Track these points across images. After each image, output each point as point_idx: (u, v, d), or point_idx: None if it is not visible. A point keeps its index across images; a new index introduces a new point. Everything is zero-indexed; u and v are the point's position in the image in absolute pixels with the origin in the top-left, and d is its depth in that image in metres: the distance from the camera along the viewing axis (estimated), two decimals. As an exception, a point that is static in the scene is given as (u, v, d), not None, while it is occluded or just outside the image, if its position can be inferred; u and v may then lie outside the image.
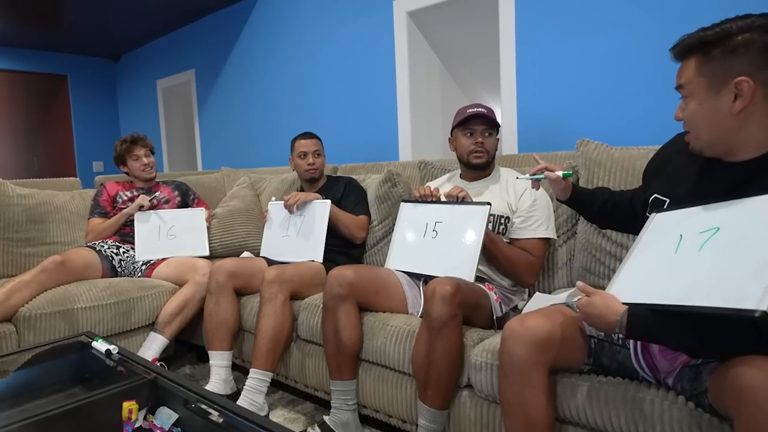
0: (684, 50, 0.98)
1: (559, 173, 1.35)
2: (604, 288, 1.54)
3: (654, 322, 0.94)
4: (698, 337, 0.90)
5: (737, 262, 0.84)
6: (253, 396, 1.74)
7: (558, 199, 1.43)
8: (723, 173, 0.99)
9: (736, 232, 0.88)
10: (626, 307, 0.97)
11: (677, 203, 1.06)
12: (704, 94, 0.95)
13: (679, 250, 0.95)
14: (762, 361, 0.80)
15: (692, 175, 1.06)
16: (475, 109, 1.71)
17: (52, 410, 1.17)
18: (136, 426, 1.28)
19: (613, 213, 1.35)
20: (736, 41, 0.90)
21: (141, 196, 2.42)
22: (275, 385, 2.02)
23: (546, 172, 1.36)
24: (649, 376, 1.12)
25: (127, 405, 1.27)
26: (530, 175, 1.40)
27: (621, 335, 0.99)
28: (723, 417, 0.95)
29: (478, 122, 1.71)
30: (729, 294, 0.81)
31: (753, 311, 0.75)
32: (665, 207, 1.10)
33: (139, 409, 1.29)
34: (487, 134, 1.73)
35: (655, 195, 1.13)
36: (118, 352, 1.49)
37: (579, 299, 1.24)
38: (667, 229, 1.01)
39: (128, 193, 2.51)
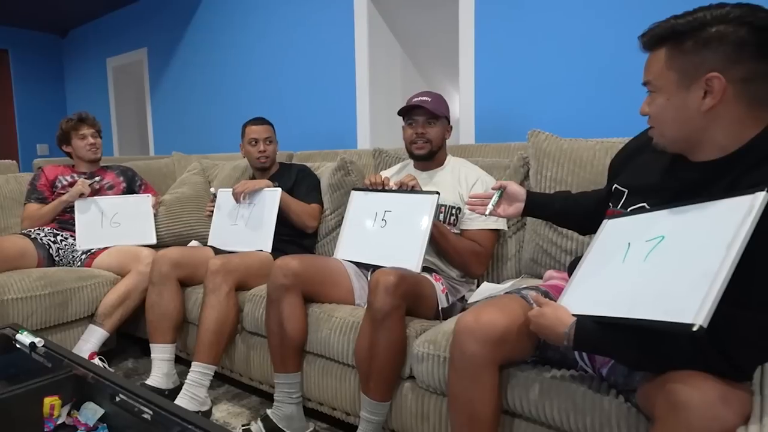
0: (654, 40, 0.91)
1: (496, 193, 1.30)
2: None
3: (600, 335, 0.92)
4: (642, 351, 0.88)
5: (678, 274, 0.81)
6: (194, 390, 1.68)
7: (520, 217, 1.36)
8: (683, 172, 0.96)
9: (680, 241, 0.85)
10: (575, 318, 0.95)
11: (635, 195, 1.04)
12: (673, 89, 0.89)
13: (626, 260, 0.93)
14: (699, 379, 0.79)
15: (655, 170, 1.03)
16: (418, 99, 1.70)
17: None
18: (58, 422, 1.22)
19: (575, 211, 1.30)
20: (710, 33, 0.83)
21: (80, 180, 2.28)
22: (221, 379, 1.96)
23: (501, 182, 1.31)
24: (588, 366, 1.12)
25: (49, 400, 1.20)
26: (493, 203, 1.30)
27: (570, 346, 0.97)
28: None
29: (418, 112, 1.69)
30: (669, 307, 0.79)
31: (690, 325, 0.73)
32: (620, 205, 1.08)
33: (63, 405, 1.23)
34: (429, 124, 1.71)
35: (616, 185, 1.11)
36: (43, 345, 1.40)
37: (524, 287, 1.24)
38: (617, 237, 0.99)
39: (68, 178, 2.37)
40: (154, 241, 2.30)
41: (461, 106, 2.32)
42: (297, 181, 2.17)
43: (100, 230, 2.26)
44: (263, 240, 1.96)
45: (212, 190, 2.28)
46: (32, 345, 1.40)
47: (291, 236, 2.07)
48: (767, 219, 0.76)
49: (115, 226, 2.28)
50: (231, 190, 2.08)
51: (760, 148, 0.86)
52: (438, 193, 1.54)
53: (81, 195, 2.24)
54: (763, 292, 0.79)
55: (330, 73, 2.86)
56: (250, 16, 3.26)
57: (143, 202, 2.37)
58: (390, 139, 2.79)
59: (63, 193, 2.29)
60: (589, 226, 1.29)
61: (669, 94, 0.90)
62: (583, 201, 1.30)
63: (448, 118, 1.75)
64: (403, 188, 1.61)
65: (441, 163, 1.78)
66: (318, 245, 2.16)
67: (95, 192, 2.33)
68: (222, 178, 2.63)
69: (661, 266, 0.86)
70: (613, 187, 1.12)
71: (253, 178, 2.28)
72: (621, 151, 1.19)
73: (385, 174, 1.79)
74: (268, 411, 1.58)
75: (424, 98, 1.69)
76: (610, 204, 1.12)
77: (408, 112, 1.70)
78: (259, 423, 1.55)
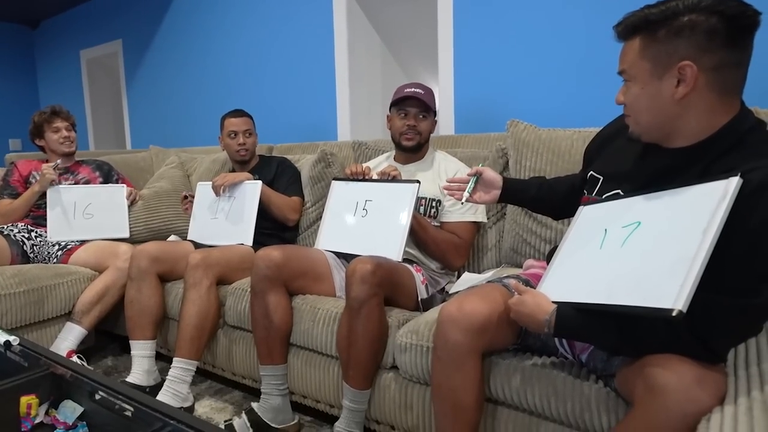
0: (628, 29, 0.92)
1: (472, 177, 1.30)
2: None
3: (580, 321, 0.93)
4: (621, 336, 0.89)
5: (656, 259, 0.82)
6: (176, 386, 1.66)
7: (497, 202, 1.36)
8: (656, 159, 0.97)
9: (656, 226, 0.86)
10: (555, 306, 0.96)
11: (609, 182, 1.05)
12: (647, 78, 0.90)
13: (603, 246, 0.94)
14: (676, 363, 0.80)
15: (628, 157, 1.04)
16: (412, 90, 1.69)
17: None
18: (36, 422, 1.19)
19: (550, 197, 1.31)
20: (682, 22, 0.85)
21: (44, 166, 2.21)
22: (203, 375, 1.94)
23: (477, 168, 1.31)
24: (568, 352, 1.14)
25: (25, 399, 1.17)
26: (469, 190, 1.30)
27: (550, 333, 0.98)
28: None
29: (412, 104, 1.68)
30: (648, 292, 0.80)
31: (670, 310, 0.74)
32: (595, 192, 1.09)
33: (41, 404, 1.20)
34: (421, 116, 1.70)
35: (591, 172, 1.12)
36: (19, 344, 1.37)
37: (505, 276, 1.25)
38: (594, 223, 1.00)
39: (42, 173, 2.31)
40: (127, 234, 2.26)
41: (441, 98, 2.32)
42: (277, 174, 2.15)
43: (72, 221, 2.20)
44: (244, 233, 1.94)
45: (184, 193, 2.24)
46: (7, 343, 1.36)
47: (272, 229, 2.06)
48: (740, 204, 0.77)
49: (88, 218, 2.23)
50: (210, 183, 2.06)
51: (730, 135, 0.88)
52: (418, 182, 1.54)
53: (51, 182, 2.18)
54: (736, 276, 0.81)
55: (310, 64, 2.83)
56: (229, 7, 3.20)
57: (117, 192, 2.33)
58: (369, 130, 2.79)
59: (38, 190, 2.23)
60: (563, 212, 1.31)
61: (643, 82, 0.91)
62: (557, 187, 1.32)
63: (435, 113, 1.76)
64: (384, 178, 1.61)
65: (422, 156, 1.79)
66: (299, 238, 2.15)
67: (74, 182, 2.28)
68: (201, 171, 2.59)
69: (638, 252, 0.87)
70: (589, 174, 1.14)
71: (232, 171, 2.25)
72: (595, 138, 1.20)
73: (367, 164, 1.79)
74: (254, 404, 1.56)
75: (417, 90, 1.68)
76: (585, 191, 1.13)
77: (401, 102, 1.69)
78: (244, 416, 1.54)
